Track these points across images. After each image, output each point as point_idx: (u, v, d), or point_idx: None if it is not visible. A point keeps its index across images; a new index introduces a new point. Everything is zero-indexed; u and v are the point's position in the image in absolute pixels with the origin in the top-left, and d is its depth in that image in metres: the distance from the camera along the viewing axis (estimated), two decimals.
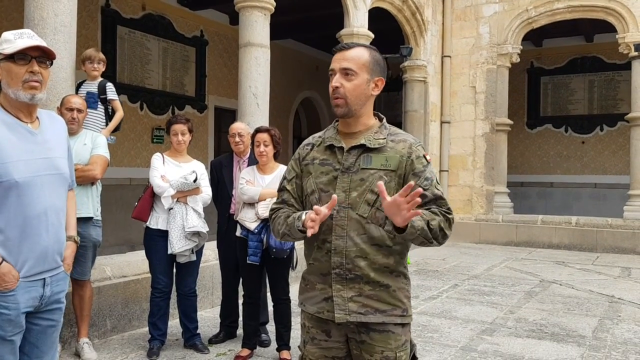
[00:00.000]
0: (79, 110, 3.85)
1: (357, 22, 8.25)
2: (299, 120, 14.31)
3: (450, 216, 1.85)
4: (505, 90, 10.88)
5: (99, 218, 4.02)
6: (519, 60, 10.94)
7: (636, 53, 9.74)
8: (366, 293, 1.84)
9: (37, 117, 2.15)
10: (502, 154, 10.90)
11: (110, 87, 4.57)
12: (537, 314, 5.41)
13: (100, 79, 4.61)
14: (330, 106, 1.88)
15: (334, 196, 1.76)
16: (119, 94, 9.20)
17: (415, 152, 1.88)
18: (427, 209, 1.83)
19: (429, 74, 10.60)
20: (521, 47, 10.84)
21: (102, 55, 4.67)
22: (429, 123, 10.67)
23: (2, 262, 1.97)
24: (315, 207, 1.78)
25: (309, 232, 1.77)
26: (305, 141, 2.06)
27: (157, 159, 4.19)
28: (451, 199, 11.14)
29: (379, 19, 9.09)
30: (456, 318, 5.22)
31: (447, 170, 11.11)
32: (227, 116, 10.84)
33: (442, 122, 11.12)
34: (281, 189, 2.04)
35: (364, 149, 1.87)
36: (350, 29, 8.22)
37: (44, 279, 2.07)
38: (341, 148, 1.89)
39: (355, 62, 1.86)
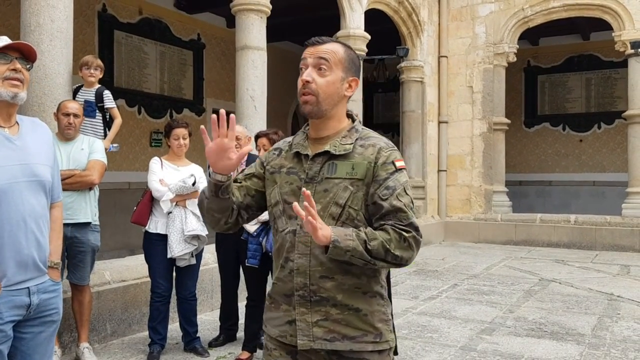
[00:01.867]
0: (76, 115, 3.86)
1: (354, 24, 8.27)
2: (297, 122, 14.33)
3: (407, 234, 1.59)
4: (502, 90, 10.90)
5: (97, 223, 4.03)
6: (515, 59, 10.96)
7: (632, 51, 9.76)
8: (333, 317, 1.63)
9: (17, 123, 2.11)
10: (500, 153, 10.92)
11: (107, 94, 4.59)
12: (537, 312, 5.42)
13: (98, 85, 4.62)
14: None
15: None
16: (116, 98, 9.20)
17: (382, 157, 1.65)
18: (382, 224, 1.60)
19: (425, 75, 10.62)
20: (517, 46, 10.87)
21: (99, 62, 4.68)
22: (426, 123, 10.69)
23: None
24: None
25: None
26: (275, 145, 1.87)
27: (155, 163, 4.20)
28: (450, 198, 11.17)
29: (375, 20, 9.11)
30: (456, 318, 5.23)
31: (446, 170, 11.13)
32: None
33: (439, 122, 11.14)
34: (235, 180, 1.82)
35: (329, 156, 1.67)
36: (346, 31, 8.24)
37: (28, 287, 2.02)
38: (306, 155, 1.70)
39: (330, 56, 1.67)
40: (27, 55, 2.09)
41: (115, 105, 4.66)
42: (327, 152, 1.67)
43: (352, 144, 1.67)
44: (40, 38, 3.91)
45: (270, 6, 6.38)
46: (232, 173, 1.69)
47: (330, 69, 1.66)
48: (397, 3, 9.64)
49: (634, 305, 5.74)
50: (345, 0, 8.19)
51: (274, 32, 7.30)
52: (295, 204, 1.53)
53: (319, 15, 9.48)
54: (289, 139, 1.84)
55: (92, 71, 4.59)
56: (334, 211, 1.63)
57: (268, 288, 1.92)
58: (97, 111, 4.51)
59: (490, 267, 8.05)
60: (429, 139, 10.79)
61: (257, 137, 4.30)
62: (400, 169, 1.66)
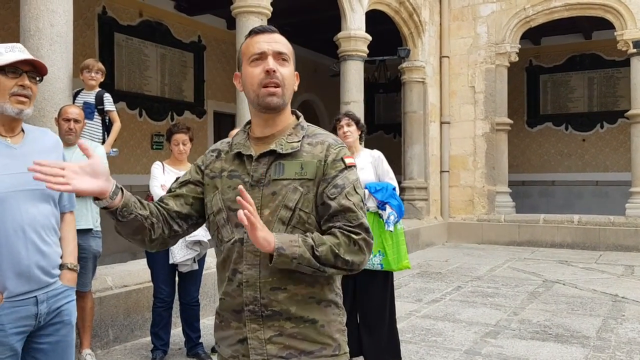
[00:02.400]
0: (76, 121, 3.84)
1: (354, 25, 8.24)
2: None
3: (357, 237, 1.49)
4: (505, 90, 10.86)
5: (99, 229, 4.01)
6: (517, 59, 10.93)
7: (635, 50, 9.72)
8: (288, 332, 1.50)
9: (23, 131, 2.09)
10: (503, 153, 10.88)
11: (107, 97, 4.57)
12: (541, 315, 5.39)
13: (98, 89, 4.60)
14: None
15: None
16: (117, 101, 9.19)
17: (332, 154, 1.54)
18: (330, 226, 1.51)
19: (427, 75, 10.59)
20: (519, 45, 10.83)
21: (100, 65, 4.67)
22: (428, 124, 10.65)
23: None
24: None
25: (64, 189, 1.42)
26: (212, 147, 1.71)
27: (157, 167, 4.18)
28: (452, 199, 11.13)
29: (376, 20, 9.08)
30: (460, 321, 5.19)
31: (448, 171, 11.10)
32: (226, 121, 10.82)
33: (441, 123, 11.10)
34: (169, 189, 1.67)
35: (275, 155, 1.54)
36: (347, 32, 8.21)
37: (36, 297, 2.00)
38: (250, 156, 1.56)
39: (286, 47, 1.58)
40: (39, 69, 2.04)
41: (115, 109, 4.65)
42: (273, 152, 1.54)
43: (299, 141, 1.56)
44: (39, 43, 3.89)
45: (271, 8, 6.37)
46: (113, 192, 1.50)
47: (289, 61, 1.58)
48: (397, 3, 9.61)
49: (639, 307, 5.70)
50: (345, 2, 8.16)
51: None
52: (240, 212, 1.35)
53: (319, 16, 9.46)
54: (227, 139, 1.71)
55: (92, 74, 4.57)
56: (284, 215, 1.50)
57: None
58: (96, 114, 4.50)
59: (494, 269, 8.01)
60: (431, 140, 10.75)
61: None
62: (350, 167, 1.56)
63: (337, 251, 1.46)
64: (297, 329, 1.51)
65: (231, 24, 9.67)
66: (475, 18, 10.94)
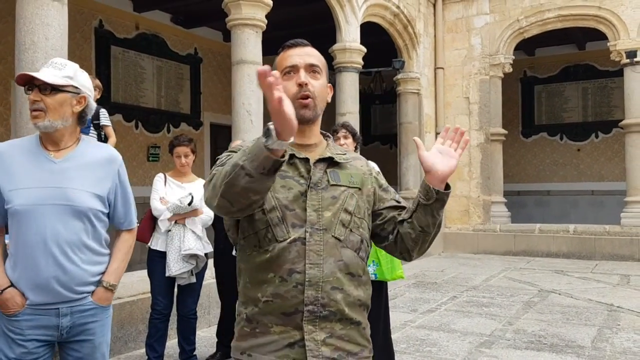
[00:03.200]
0: None
1: (349, 37, 8.31)
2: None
3: None
4: (499, 100, 10.93)
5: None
6: (511, 70, 11.01)
7: (627, 60, 9.80)
8: (337, 333, 1.53)
9: (73, 145, 2.12)
10: (498, 163, 10.93)
11: (103, 113, 4.61)
12: (536, 324, 5.39)
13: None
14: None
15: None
16: (113, 113, 9.23)
17: (373, 169, 1.74)
18: (401, 213, 1.69)
19: (422, 86, 10.65)
20: (513, 57, 10.91)
21: (97, 82, 4.71)
22: (424, 134, 10.70)
23: (7, 287, 2.02)
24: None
25: (276, 97, 1.25)
26: (245, 143, 1.61)
27: (159, 180, 4.19)
28: (448, 209, 11.14)
29: (371, 32, 9.15)
30: (455, 331, 5.20)
31: None
32: (223, 132, 10.85)
33: (436, 133, 11.14)
34: (224, 163, 1.53)
35: (329, 162, 1.61)
36: (342, 44, 8.27)
37: (58, 309, 2.04)
38: (305, 160, 1.59)
39: (319, 59, 1.62)
40: (47, 82, 2.04)
41: (110, 124, 4.69)
42: (329, 159, 1.61)
43: (345, 154, 1.67)
44: (35, 56, 3.91)
45: (265, 21, 6.42)
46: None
47: (321, 73, 1.62)
48: (392, 16, 9.69)
49: (634, 316, 5.72)
50: (340, 14, 8.23)
51: (270, 46, 7.30)
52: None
53: (315, 28, 9.52)
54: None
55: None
56: (345, 218, 1.57)
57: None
58: (92, 128, 4.53)
59: (489, 279, 8.02)
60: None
61: None
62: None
63: None
64: (345, 331, 1.55)
65: (227, 36, 9.73)
66: (469, 30, 11.03)
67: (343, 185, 1.60)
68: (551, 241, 10.29)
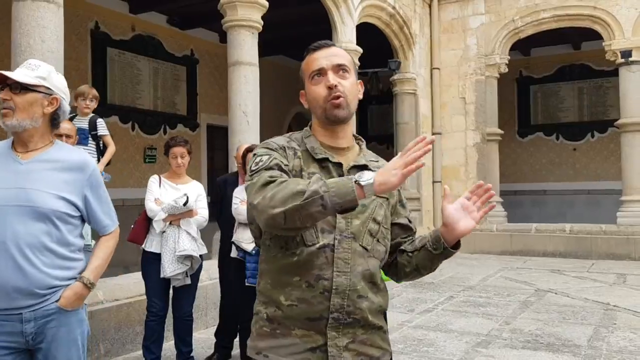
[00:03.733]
0: (68, 136, 3.86)
1: (345, 38, 8.32)
2: None
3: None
4: (495, 100, 10.96)
5: (90, 243, 4.01)
6: (507, 70, 11.04)
7: (622, 60, 9.84)
8: (359, 338, 1.54)
9: (44, 148, 2.07)
10: (494, 163, 10.95)
11: (101, 122, 4.65)
12: (533, 324, 5.41)
13: (91, 114, 4.67)
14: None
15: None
16: (110, 115, 9.23)
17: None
18: (410, 237, 1.72)
19: (418, 87, 10.67)
20: (509, 57, 10.95)
21: (95, 92, 4.74)
22: (420, 135, 10.69)
23: None
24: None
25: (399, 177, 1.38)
26: (279, 142, 1.63)
27: (153, 181, 4.18)
28: None
29: (367, 33, 9.16)
30: (452, 331, 5.21)
31: (440, 181, 11.15)
32: (219, 134, 10.86)
33: (433, 134, 11.16)
34: (270, 167, 1.53)
35: (362, 169, 1.56)
36: (338, 45, 8.26)
37: (21, 314, 1.95)
38: (338, 165, 1.58)
39: (346, 60, 1.61)
40: (17, 81, 2.02)
41: (108, 133, 4.72)
42: (364, 167, 1.59)
43: (377, 160, 1.66)
44: (30, 58, 3.91)
45: (262, 22, 6.42)
46: None
47: (349, 72, 1.61)
48: (388, 16, 9.71)
49: (630, 315, 5.74)
50: (336, 15, 8.24)
51: (266, 47, 7.35)
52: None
53: (311, 29, 9.52)
54: (287, 138, 1.66)
55: (87, 102, 4.65)
56: (373, 228, 1.57)
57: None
58: (90, 139, 4.56)
59: (486, 278, 8.04)
60: None
61: (246, 152, 4.28)
62: None
63: None
64: (367, 335, 1.55)
65: (223, 37, 9.73)
66: (465, 30, 11.06)
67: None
68: (548, 241, 10.31)
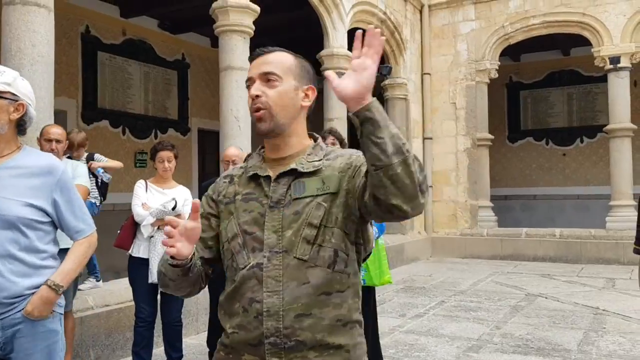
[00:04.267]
0: (58, 141, 3.84)
1: (337, 43, 8.35)
2: None
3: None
4: (485, 106, 11.02)
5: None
6: (497, 75, 11.12)
7: (611, 66, 9.94)
8: None
9: (11, 154, 2.04)
10: (484, 168, 11.01)
11: (98, 156, 5.00)
12: (523, 328, 5.43)
13: (86, 153, 4.90)
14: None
15: (195, 201, 1.41)
16: (100, 119, 9.21)
17: (357, 159, 1.45)
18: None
19: (409, 92, 10.72)
20: (499, 62, 11.03)
21: (83, 135, 5.01)
22: (411, 140, 10.76)
23: None
24: (169, 219, 1.39)
25: (169, 253, 1.39)
26: (223, 174, 1.65)
27: (139, 186, 4.17)
28: (436, 214, 11.22)
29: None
30: (443, 336, 5.22)
31: (431, 186, 11.19)
32: (211, 138, 10.84)
33: (424, 139, 11.22)
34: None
35: (295, 175, 1.46)
36: (330, 50, 8.31)
37: None
38: (267, 177, 1.48)
39: (278, 65, 1.49)
40: None
41: (107, 159, 5.02)
42: (293, 171, 1.46)
43: (320, 160, 1.48)
44: (21, 63, 3.89)
45: (253, 27, 6.43)
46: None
47: (280, 79, 1.47)
48: (379, 22, 9.75)
49: (619, 319, 5.78)
50: (328, 20, 8.27)
51: None
52: (330, 72, 1.35)
53: (303, 34, 9.55)
54: (240, 164, 1.63)
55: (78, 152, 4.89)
56: (309, 233, 1.41)
57: None
58: (91, 175, 4.70)
59: (477, 283, 8.06)
60: None
61: (247, 158, 4.26)
62: None
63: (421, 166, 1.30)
64: (322, 357, 1.39)
65: (215, 42, 9.72)
66: (456, 36, 11.13)
67: (308, 197, 1.44)
68: (538, 245, 10.37)
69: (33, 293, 1.98)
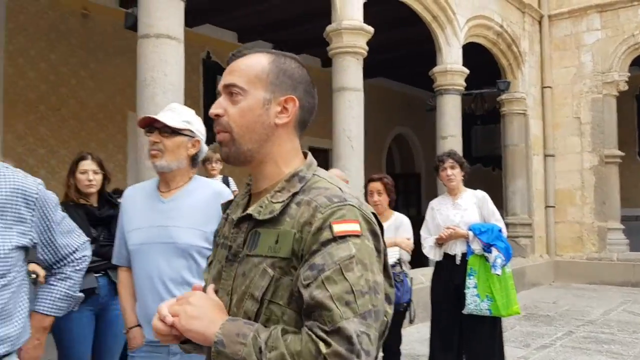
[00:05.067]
0: (219, 160, 4.19)
1: (450, 59, 8.15)
2: (391, 157, 14.23)
3: (326, 349, 0.96)
4: (614, 120, 10.23)
5: None
6: (627, 87, 10.29)
7: None
8: None
9: (184, 185, 2.17)
10: (614, 187, 10.18)
11: (231, 181, 5.32)
12: None
13: (220, 176, 5.15)
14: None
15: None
16: None
17: (317, 220, 1.06)
18: (304, 325, 1.02)
19: (528, 106, 10.21)
20: (628, 73, 10.21)
21: (218, 156, 5.18)
22: (531, 157, 10.22)
23: (134, 327, 2.16)
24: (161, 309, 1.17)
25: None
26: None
27: None
28: (559, 236, 10.52)
29: (472, 52, 8.92)
30: None
31: (554, 206, 10.53)
32: (321, 156, 10.98)
33: (545, 156, 10.60)
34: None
35: (254, 222, 1.14)
36: (443, 66, 8.13)
37: (168, 346, 2.04)
38: (231, 221, 1.22)
39: (243, 74, 1.17)
40: (166, 124, 2.13)
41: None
42: (249, 217, 1.15)
43: (283, 201, 1.12)
44: (154, 91, 4.16)
45: (367, 48, 6.42)
46: None
47: (244, 92, 1.16)
48: (495, 35, 9.41)
49: None
50: (441, 36, 8.10)
51: (368, 69, 7.34)
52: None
53: (414, 50, 9.44)
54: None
55: (213, 164, 5.20)
56: (249, 308, 1.09)
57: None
58: None
59: (607, 312, 7.42)
60: (535, 174, 10.28)
61: (368, 181, 4.19)
62: (342, 237, 1.03)
63: None
64: None
65: (325, 62, 9.87)
66: (579, 47, 10.47)
67: (258, 256, 1.11)
68: None
69: None
